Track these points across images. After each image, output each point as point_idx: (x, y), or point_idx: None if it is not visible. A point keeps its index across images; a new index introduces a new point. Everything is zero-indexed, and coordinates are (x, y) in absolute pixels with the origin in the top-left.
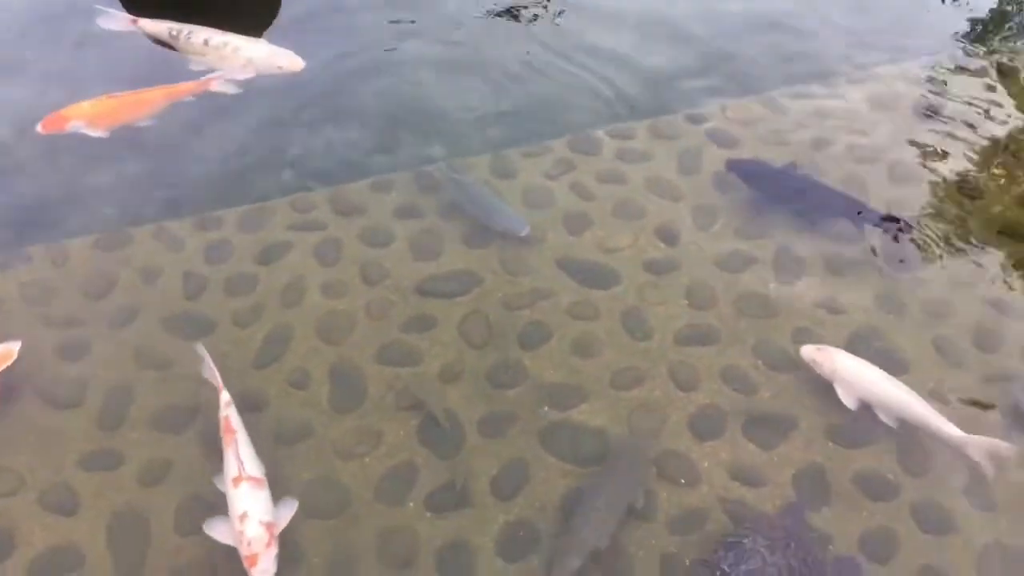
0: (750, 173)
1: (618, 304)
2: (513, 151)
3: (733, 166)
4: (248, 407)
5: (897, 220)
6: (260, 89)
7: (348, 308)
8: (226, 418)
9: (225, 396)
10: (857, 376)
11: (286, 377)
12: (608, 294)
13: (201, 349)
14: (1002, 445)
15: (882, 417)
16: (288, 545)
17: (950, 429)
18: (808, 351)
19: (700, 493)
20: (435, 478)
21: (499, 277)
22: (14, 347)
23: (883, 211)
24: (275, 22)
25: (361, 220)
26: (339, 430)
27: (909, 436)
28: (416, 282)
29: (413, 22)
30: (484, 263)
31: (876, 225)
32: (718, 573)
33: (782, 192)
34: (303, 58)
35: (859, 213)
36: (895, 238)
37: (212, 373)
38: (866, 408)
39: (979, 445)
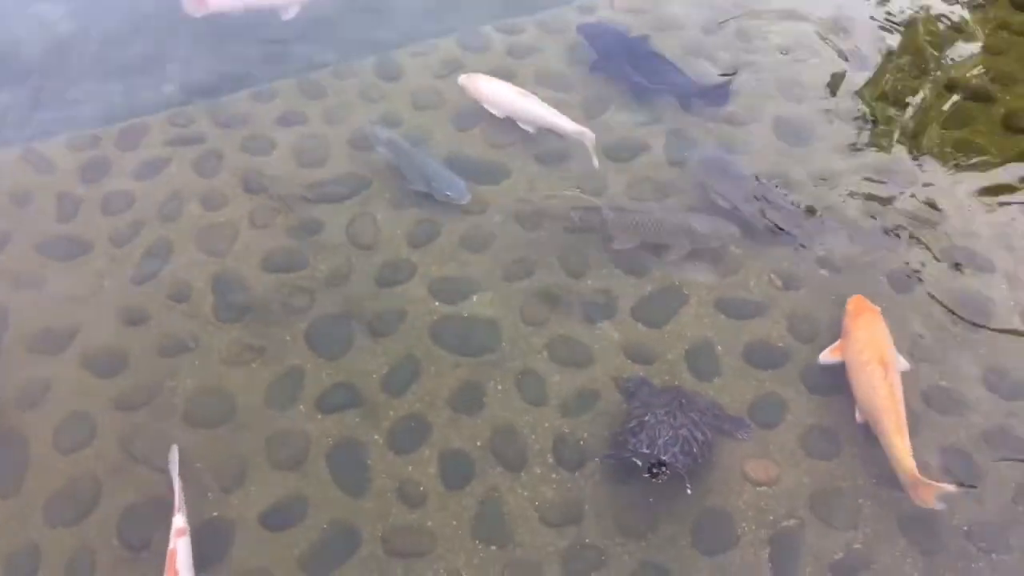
0: (595, 36)
1: (507, 198)
2: (400, 51)
3: (582, 28)
4: (129, 322)
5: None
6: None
7: (229, 218)
8: (173, 552)
9: (179, 521)
10: (496, 94)
11: (167, 291)
12: (498, 188)
13: (174, 453)
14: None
15: (521, 125)
16: (167, 455)
17: (567, 124)
18: (461, 80)
19: (592, 373)
20: (323, 379)
21: (386, 180)
22: None
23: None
24: None
25: (243, 130)
26: (225, 339)
27: (797, 303)
28: (301, 188)
29: None
30: (371, 166)
31: (702, 98)
32: (643, 458)
33: (620, 58)
34: None
35: (687, 89)
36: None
37: (174, 486)
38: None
39: (584, 133)
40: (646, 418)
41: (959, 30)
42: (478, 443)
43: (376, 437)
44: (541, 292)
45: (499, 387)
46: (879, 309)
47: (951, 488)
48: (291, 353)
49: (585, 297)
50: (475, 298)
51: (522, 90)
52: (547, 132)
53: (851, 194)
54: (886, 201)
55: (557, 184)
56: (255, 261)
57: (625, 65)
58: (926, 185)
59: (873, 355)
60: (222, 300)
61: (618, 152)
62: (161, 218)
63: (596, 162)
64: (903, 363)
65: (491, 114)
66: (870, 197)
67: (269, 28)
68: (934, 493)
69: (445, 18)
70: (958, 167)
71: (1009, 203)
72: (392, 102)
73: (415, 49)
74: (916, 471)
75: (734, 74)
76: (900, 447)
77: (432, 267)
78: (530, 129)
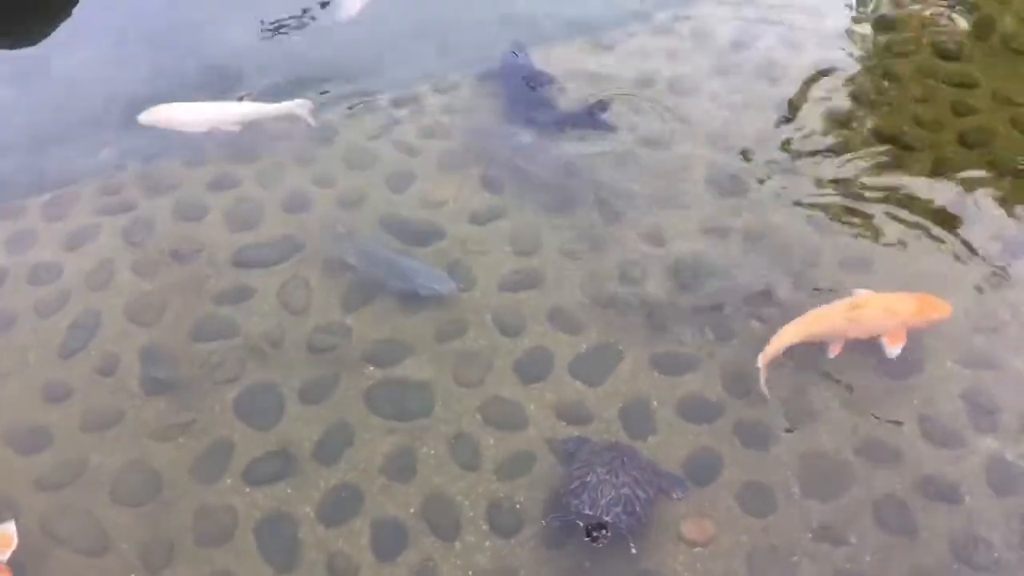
0: (506, 68)
1: (441, 258)
2: (334, 112)
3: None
4: (54, 397)
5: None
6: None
7: (159, 287)
8: None
9: None
10: (189, 113)
11: (94, 364)
12: (431, 249)
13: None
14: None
15: (227, 129)
16: (92, 536)
17: (277, 108)
18: (143, 118)
19: (527, 435)
20: (253, 450)
21: (320, 241)
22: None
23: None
24: None
25: (174, 196)
26: (152, 412)
27: (729, 360)
28: (232, 253)
29: None
30: (304, 228)
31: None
32: (586, 518)
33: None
34: None
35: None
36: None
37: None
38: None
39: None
40: (588, 478)
41: (889, 78)
42: (411, 511)
43: (307, 509)
44: (475, 352)
45: (432, 452)
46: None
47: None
48: (220, 424)
49: (520, 356)
50: (408, 361)
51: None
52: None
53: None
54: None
55: (491, 243)
56: (184, 330)
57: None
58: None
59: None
60: (149, 372)
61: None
62: (89, 288)
63: (313, 123)
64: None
65: (426, 174)
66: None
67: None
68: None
69: (383, 75)
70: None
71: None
72: (326, 164)
73: (349, 110)
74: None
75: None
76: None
77: (366, 331)
78: (236, 129)
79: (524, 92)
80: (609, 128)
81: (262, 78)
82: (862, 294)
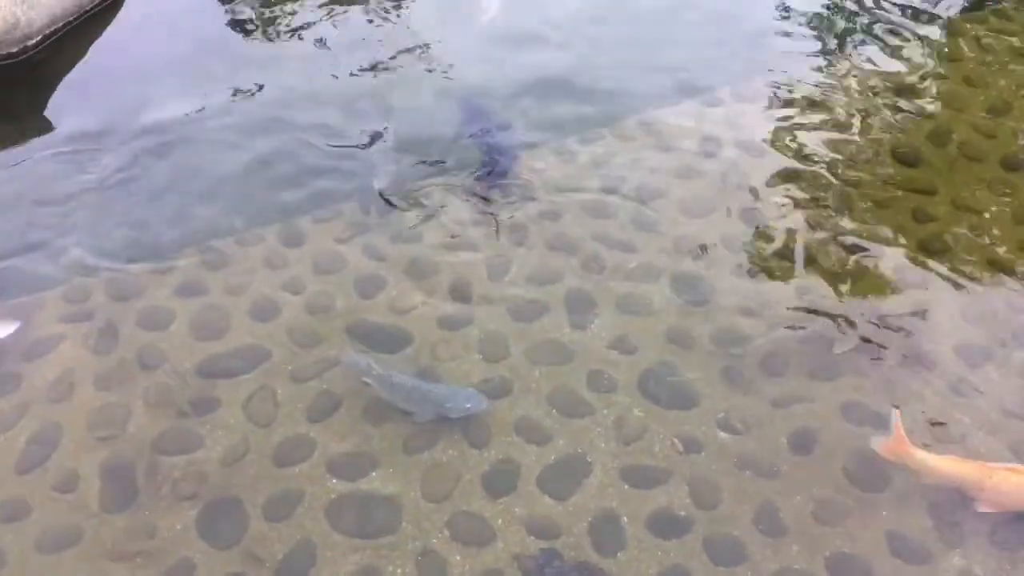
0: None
1: (409, 365)
2: (303, 218)
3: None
4: (9, 517)
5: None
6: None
7: (122, 399)
8: None
9: None
10: None
11: (52, 480)
12: (399, 356)
13: None
14: None
15: None
16: None
17: None
18: None
19: (495, 551)
20: (215, 571)
21: (287, 350)
22: None
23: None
24: None
25: (139, 304)
26: (111, 532)
27: (701, 473)
28: (197, 363)
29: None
30: (272, 337)
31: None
32: None
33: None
34: None
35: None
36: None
37: None
38: None
39: None
40: None
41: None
42: None
43: None
44: (443, 465)
45: (399, 571)
46: None
47: None
48: (181, 543)
49: (487, 469)
50: (375, 474)
51: None
52: None
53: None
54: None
55: (460, 350)
56: (147, 444)
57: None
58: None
59: None
60: (110, 489)
61: (520, 312)
62: (50, 400)
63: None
64: None
65: (397, 284)
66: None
67: (177, 195)
68: None
69: (351, 180)
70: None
71: None
72: (294, 268)
73: (319, 215)
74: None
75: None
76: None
77: (331, 443)
78: None
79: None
80: (513, 179)
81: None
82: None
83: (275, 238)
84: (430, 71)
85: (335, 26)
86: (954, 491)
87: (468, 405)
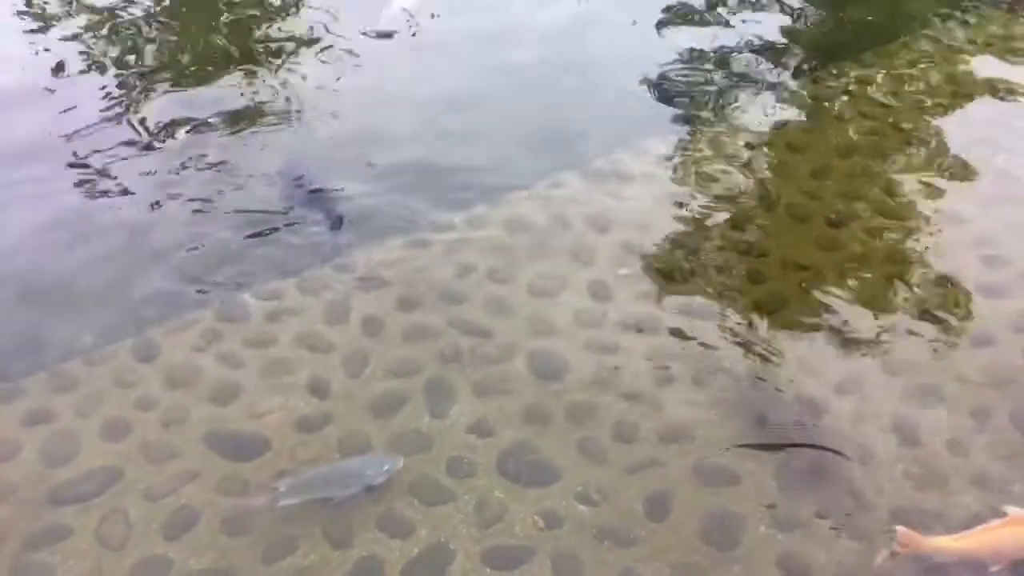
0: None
1: (266, 471)
2: (156, 329)
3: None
4: None
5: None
6: None
7: None
8: None
9: None
10: None
11: None
12: (255, 464)
13: None
14: None
15: None
16: None
17: None
18: None
19: None
20: None
21: (140, 468)
22: None
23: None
24: None
25: None
26: None
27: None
28: (47, 491)
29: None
30: (124, 456)
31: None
32: None
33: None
34: None
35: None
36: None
37: None
38: None
39: None
40: None
41: (689, 251)
42: None
43: None
44: (305, 570)
45: None
46: None
47: None
48: None
49: (350, 568)
50: None
51: None
52: None
53: None
54: None
55: (320, 450)
56: None
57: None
58: None
59: None
60: None
61: (379, 406)
62: None
63: None
64: None
65: (253, 389)
66: None
67: (19, 314)
68: None
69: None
70: None
71: None
72: (148, 384)
73: (172, 325)
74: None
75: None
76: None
77: (189, 559)
78: None
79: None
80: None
81: None
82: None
83: (128, 353)
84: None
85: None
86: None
87: (386, 467)
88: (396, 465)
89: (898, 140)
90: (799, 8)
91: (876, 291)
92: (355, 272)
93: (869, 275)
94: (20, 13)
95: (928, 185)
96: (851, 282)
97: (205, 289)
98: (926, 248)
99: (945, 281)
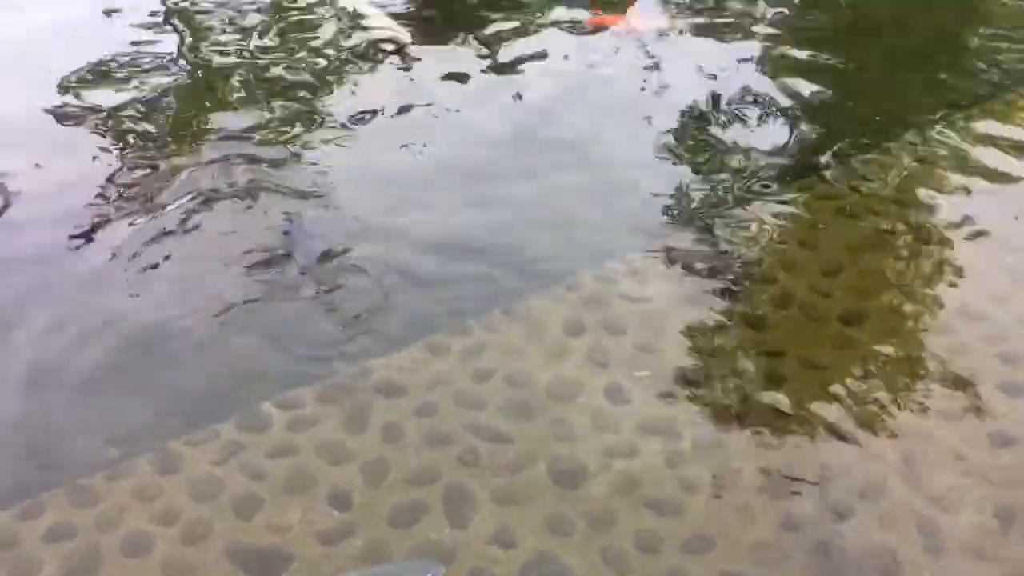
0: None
1: None
2: (176, 442)
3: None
4: None
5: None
6: None
7: None
8: None
9: None
10: None
11: None
12: None
13: None
14: None
15: None
16: None
17: None
18: None
19: None
20: None
21: None
22: None
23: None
24: None
25: (6, 555)
26: None
27: None
28: None
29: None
30: (147, 572)
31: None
32: None
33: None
34: None
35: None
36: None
37: None
38: None
39: None
40: None
41: (706, 354)
42: None
43: None
44: None
45: None
46: None
47: None
48: None
49: None
50: None
51: None
52: None
53: None
54: None
55: (342, 562)
56: None
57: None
58: None
59: None
60: None
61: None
62: None
63: None
64: None
65: (276, 501)
66: None
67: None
68: None
69: (226, 400)
70: None
71: None
72: (169, 497)
73: (193, 437)
74: None
75: None
76: None
77: None
78: None
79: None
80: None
81: None
82: None
83: (147, 469)
84: None
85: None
86: None
87: (430, 575)
88: (440, 572)
89: (910, 238)
90: (803, 106)
91: (894, 390)
92: (373, 378)
93: (886, 374)
94: None
95: (942, 282)
96: (869, 382)
97: (228, 397)
98: (943, 346)
99: (963, 381)
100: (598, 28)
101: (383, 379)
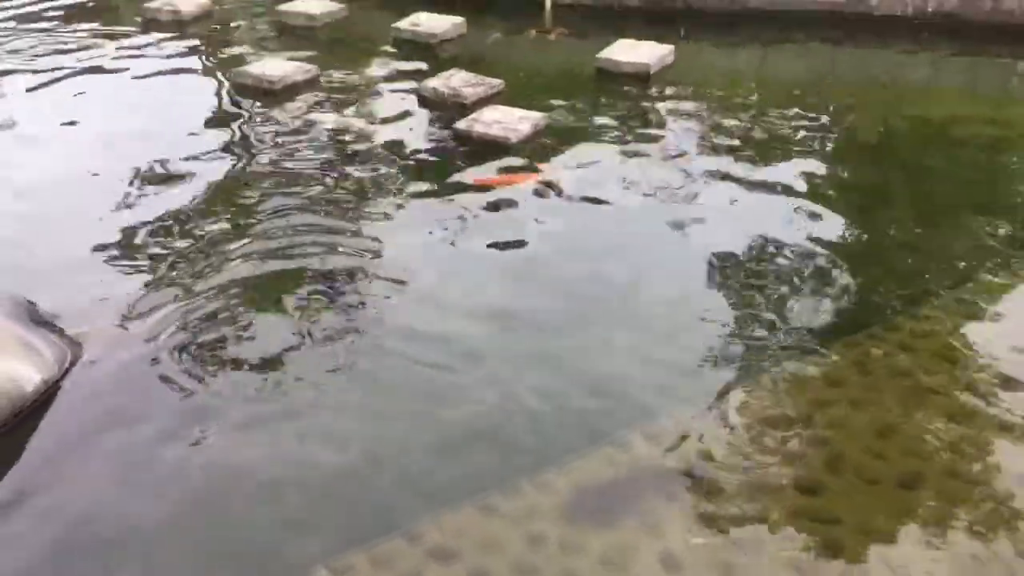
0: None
1: None
2: None
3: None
4: None
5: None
6: None
7: None
8: None
9: None
10: None
11: None
12: None
13: None
14: None
15: None
16: None
17: None
18: None
19: None
20: None
21: None
22: None
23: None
24: None
25: None
26: None
27: None
28: None
29: None
30: None
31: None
32: None
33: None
34: None
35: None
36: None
37: None
38: None
39: None
40: None
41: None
42: None
43: None
44: None
45: None
46: None
47: None
48: None
49: None
50: None
51: None
52: None
53: None
54: None
55: None
56: None
57: None
58: None
59: None
60: None
61: None
62: None
63: None
64: None
65: None
66: None
67: None
68: None
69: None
70: None
71: None
72: None
73: None
74: None
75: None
76: None
77: None
78: None
79: None
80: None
81: None
82: None
83: None
84: None
85: None
86: None
87: None
88: None
89: (965, 396)
90: (841, 258)
91: (956, 562)
92: (426, 543)
93: (949, 544)
94: None
95: (1002, 441)
96: (932, 553)
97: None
98: (1002, 515)
99: None
100: (485, 187)
101: (437, 543)
